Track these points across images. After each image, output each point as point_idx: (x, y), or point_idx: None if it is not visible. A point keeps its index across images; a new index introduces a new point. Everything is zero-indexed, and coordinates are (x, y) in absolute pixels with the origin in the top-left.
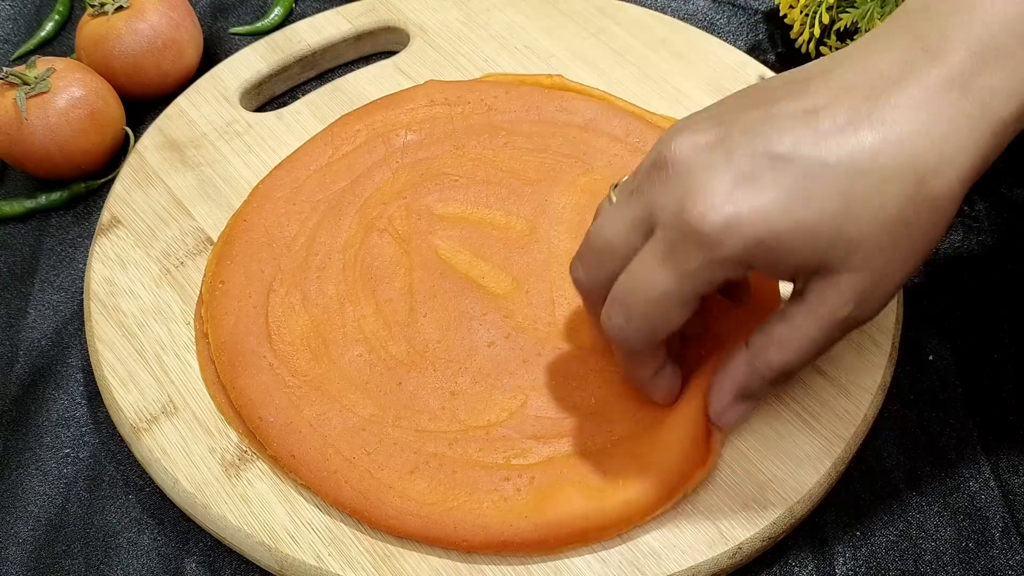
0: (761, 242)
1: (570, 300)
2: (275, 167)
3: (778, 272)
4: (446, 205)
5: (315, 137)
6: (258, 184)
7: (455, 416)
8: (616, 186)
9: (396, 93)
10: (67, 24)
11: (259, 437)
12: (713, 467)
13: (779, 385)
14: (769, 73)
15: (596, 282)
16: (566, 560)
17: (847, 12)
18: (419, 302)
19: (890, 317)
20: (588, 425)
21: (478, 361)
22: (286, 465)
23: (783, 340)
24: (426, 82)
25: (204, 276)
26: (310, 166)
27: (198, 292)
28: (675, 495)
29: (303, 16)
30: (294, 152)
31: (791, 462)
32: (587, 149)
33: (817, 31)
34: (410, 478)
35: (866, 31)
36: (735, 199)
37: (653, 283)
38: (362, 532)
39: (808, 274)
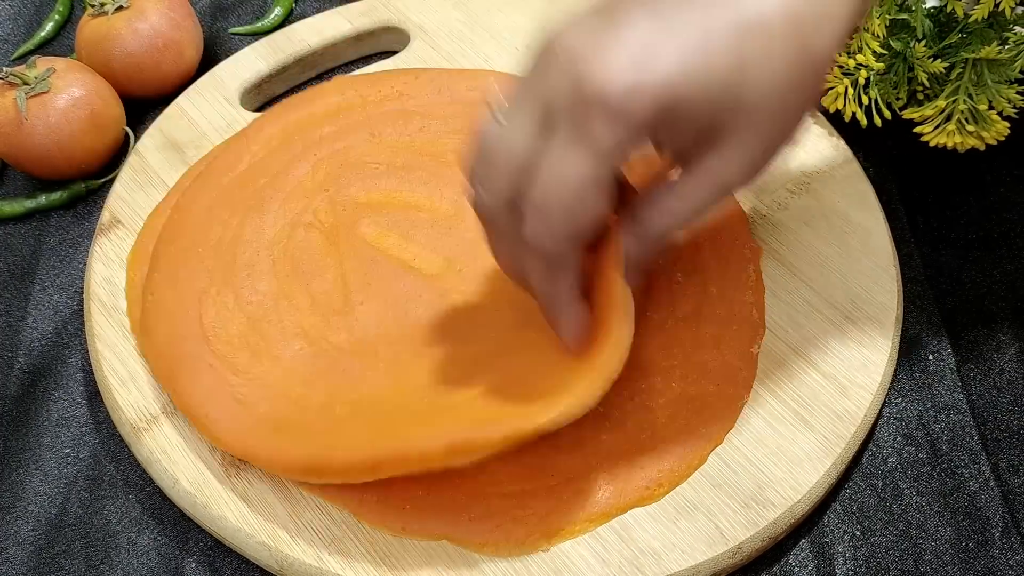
0: (665, 102)
1: (503, 275)
2: (194, 179)
3: (676, 139)
4: (369, 193)
5: (227, 142)
6: (179, 199)
7: (400, 384)
8: (493, 105)
9: (305, 91)
10: (67, 24)
11: (208, 436)
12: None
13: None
14: None
15: (503, 199)
16: (566, 560)
17: None
18: (354, 291)
19: (890, 317)
20: (519, 356)
21: (419, 339)
22: (239, 455)
23: (670, 209)
24: (334, 78)
25: (127, 270)
26: (229, 172)
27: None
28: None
29: (303, 16)
30: (210, 160)
31: (791, 462)
32: None
33: None
34: (364, 432)
35: (864, 29)
36: (635, 64)
37: (568, 171)
38: (362, 532)
39: (701, 142)
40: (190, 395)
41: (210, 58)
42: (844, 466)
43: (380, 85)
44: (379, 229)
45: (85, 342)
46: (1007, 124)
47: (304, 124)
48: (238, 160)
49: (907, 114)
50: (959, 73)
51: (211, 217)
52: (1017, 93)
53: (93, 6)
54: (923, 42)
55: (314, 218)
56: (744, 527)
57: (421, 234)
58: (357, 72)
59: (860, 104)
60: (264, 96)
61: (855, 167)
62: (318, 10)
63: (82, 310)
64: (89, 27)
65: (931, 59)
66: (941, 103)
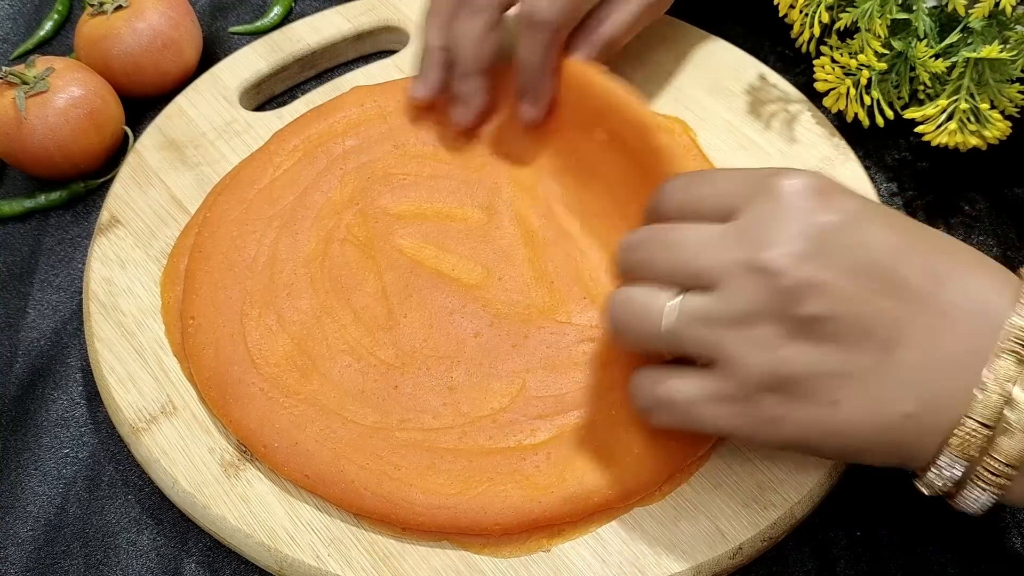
0: None
1: (542, 280)
2: (218, 192)
3: None
4: (400, 205)
5: (251, 156)
6: (207, 214)
7: (458, 410)
8: None
9: (323, 104)
10: (66, 23)
11: (269, 464)
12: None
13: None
14: (770, 72)
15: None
16: (566, 560)
17: (847, 12)
18: (396, 304)
19: None
20: (588, 396)
21: (468, 353)
22: (302, 485)
23: (614, 22)
24: (351, 89)
25: (161, 292)
26: (254, 185)
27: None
28: (687, 461)
29: (302, 15)
30: (234, 175)
31: (792, 463)
32: (520, 128)
33: (817, 31)
34: (428, 474)
35: (866, 30)
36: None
37: None
38: (362, 532)
39: None
40: (246, 425)
41: (209, 57)
42: (844, 467)
43: (399, 95)
44: (414, 240)
45: (84, 342)
46: (1009, 123)
47: (325, 136)
48: (262, 173)
49: (908, 114)
50: (960, 72)
51: (242, 233)
52: (1019, 92)
53: (92, 5)
54: (924, 41)
55: (348, 233)
56: (745, 527)
57: (456, 243)
58: (357, 70)
59: (862, 104)
60: (263, 95)
61: (855, 167)
62: (317, 9)
63: (81, 310)
64: (88, 26)
65: (932, 58)
66: (942, 102)
